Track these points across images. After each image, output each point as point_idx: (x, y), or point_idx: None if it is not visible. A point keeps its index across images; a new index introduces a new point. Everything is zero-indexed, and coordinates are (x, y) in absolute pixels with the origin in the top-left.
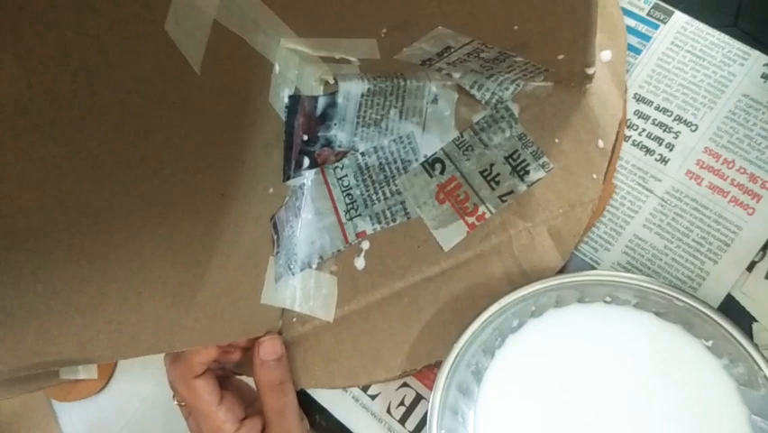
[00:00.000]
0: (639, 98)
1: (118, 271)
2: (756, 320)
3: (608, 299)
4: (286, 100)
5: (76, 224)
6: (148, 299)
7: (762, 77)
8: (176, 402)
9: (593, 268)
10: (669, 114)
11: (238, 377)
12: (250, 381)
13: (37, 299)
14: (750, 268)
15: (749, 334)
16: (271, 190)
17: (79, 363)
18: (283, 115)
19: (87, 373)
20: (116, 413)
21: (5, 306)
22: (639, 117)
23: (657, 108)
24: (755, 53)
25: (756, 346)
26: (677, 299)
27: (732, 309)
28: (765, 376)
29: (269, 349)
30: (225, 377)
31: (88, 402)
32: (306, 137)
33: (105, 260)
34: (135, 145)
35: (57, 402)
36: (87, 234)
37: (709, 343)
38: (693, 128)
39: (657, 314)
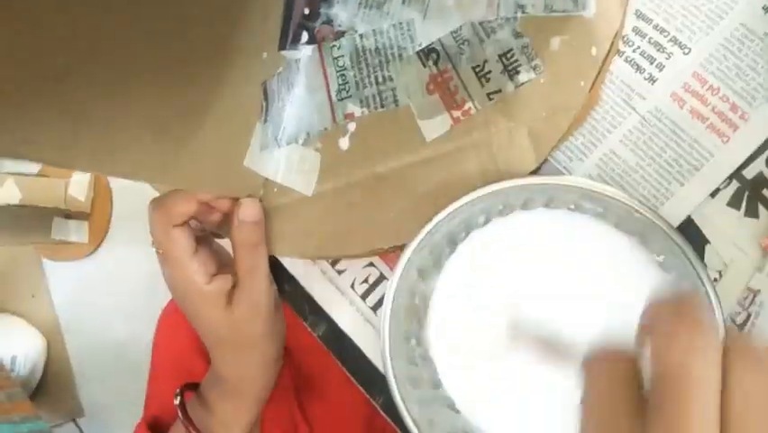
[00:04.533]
0: (640, 15)
1: (108, 90)
2: (710, 243)
3: (573, 206)
4: None
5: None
6: (130, 121)
7: (763, 8)
8: (154, 248)
9: None
10: (666, 34)
11: (217, 241)
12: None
13: (26, 91)
14: (714, 194)
15: (701, 255)
16: (265, 55)
17: (60, 165)
18: None
19: (78, 236)
20: (102, 278)
21: None
22: (636, 34)
23: (655, 27)
24: None
25: (704, 266)
26: (637, 211)
27: (689, 231)
28: (707, 293)
29: (248, 210)
30: (204, 238)
31: (77, 264)
32: (307, 11)
33: (99, 81)
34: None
35: (47, 261)
36: (86, 51)
37: (661, 258)
38: (686, 51)
39: (617, 226)
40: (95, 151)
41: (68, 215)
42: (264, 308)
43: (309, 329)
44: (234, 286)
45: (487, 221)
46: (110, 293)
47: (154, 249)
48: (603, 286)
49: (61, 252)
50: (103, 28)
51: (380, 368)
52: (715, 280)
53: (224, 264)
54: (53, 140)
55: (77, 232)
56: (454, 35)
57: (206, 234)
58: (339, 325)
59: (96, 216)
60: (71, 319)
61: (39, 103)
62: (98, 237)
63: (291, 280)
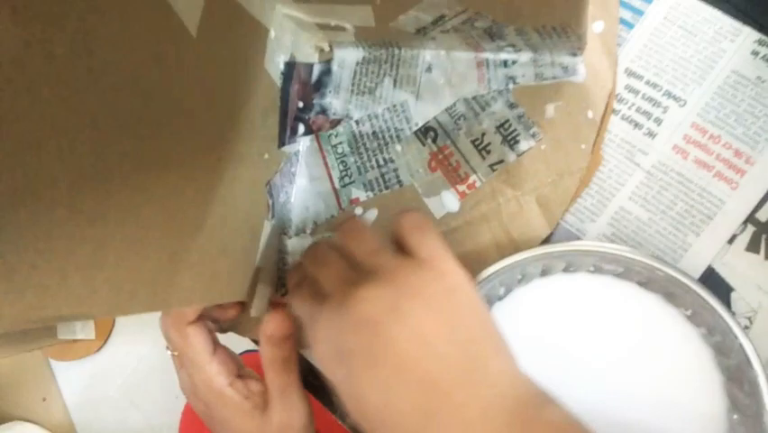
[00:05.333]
0: (630, 73)
1: (117, 230)
2: (735, 290)
3: (593, 268)
4: (281, 66)
5: (75, 182)
6: (146, 258)
7: (752, 53)
8: (169, 352)
9: (579, 239)
10: (659, 88)
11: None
12: (238, 340)
13: (37, 256)
14: (731, 241)
15: (728, 304)
16: (267, 156)
17: (78, 319)
18: (279, 82)
19: (85, 333)
20: (114, 372)
21: (7, 262)
22: (629, 91)
23: (647, 83)
24: (746, 30)
25: (733, 315)
26: (658, 269)
27: (712, 280)
28: (741, 345)
29: (276, 326)
30: (214, 338)
31: (86, 362)
32: (301, 104)
33: (105, 219)
34: (132, 106)
35: (55, 362)
36: (87, 192)
37: (689, 312)
38: (682, 103)
39: (639, 284)
40: (112, 293)
41: None
42: (296, 428)
43: (339, 421)
44: (264, 398)
45: (507, 292)
46: (123, 387)
47: (169, 352)
48: (632, 346)
49: (69, 351)
50: (107, 152)
51: None
52: (746, 327)
53: (240, 366)
54: (71, 293)
55: (84, 329)
56: (449, 112)
57: (214, 338)
58: None
59: None
60: (86, 419)
61: (52, 260)
62: (105, 331)
63: (316, 372)
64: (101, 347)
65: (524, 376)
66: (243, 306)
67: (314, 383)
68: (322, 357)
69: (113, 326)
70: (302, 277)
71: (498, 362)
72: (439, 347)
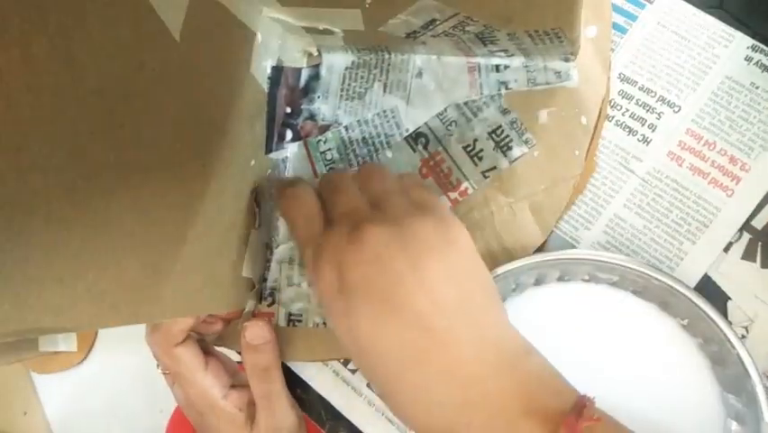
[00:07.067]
0: (624, 78)
1: (97, 239)
2: (731, 299)
3: (587, 277)
4: (268, 71)
5: (53, 190)
6: (127, 268)
7: (745, 59)
8: (160, 371)
9: (573, 247)
10: (652, 94)
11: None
12: (230, 354)
13: (14, 266)
14: (727, 249)
15: (724, 312)
16: (253, 163)
17: (58, 332)
18: (266, 87)
19: (67, 345)
20: (96, 385)
21: None
22: (623, 97)
23: (641, 89)
24: (739, 35)
25: (730, 324)
26: (654, 278)
27: (708, 289)
28: (738, 355)
29: (255, 333)
30: (206, 347)
31: (68, 374)
32: (289, 109)
33: (84, 228)
34: (114, 112)
35: (36, 374)
36: (65, 200)
37: (685, 322)
38: (676, 109)
39: (635, 293)
40: (93, 305)
41: None
42: (285, 429)
43: None
44: (254, 406)
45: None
46: (107, 400)
47: (159, 370)
48: (628, 356)
49: (51, 363)
50: (86, 159)
51: None
52: (743, 336)
53: (233, 373)
54: (49, 304)
55: (66, 341)
56: (441, 117)
57: (207, 345)
58: (360, 428)
59: None
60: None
61: (30, 269)
62: (88, 343)
63: (303, 385)
64: (83, 359)
65: (512, 330)
66: (229, 319)
67: (301, 396)
68: (324, 285)
69: (95, 338)
70: (300, 193)
71: (490, 314)
72: (438, 293)
